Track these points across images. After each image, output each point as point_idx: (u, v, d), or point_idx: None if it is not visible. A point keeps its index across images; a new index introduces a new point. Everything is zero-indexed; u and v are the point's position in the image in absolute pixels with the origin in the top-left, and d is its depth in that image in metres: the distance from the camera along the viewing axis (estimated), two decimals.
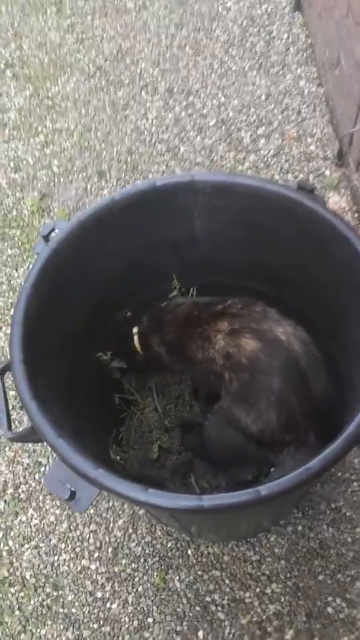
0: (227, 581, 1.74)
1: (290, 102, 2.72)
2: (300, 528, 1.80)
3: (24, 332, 1.35)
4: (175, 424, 1.85)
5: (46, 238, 1.50)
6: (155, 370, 1.77)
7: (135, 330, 1.69)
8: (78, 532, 1.88)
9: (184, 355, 1.57)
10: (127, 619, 1.73)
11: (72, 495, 1.24)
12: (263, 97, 2.76)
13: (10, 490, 1.97)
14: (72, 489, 1.24)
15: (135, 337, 1.68)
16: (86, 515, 1.91)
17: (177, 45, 3.06)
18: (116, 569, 1.80)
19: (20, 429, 1.44)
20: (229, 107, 2.76)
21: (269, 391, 1.42)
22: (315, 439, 1.42)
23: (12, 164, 2.75)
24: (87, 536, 1.87)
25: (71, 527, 1.90)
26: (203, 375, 1.59)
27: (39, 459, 2.01)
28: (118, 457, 1.70)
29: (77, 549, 1.85)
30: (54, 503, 1.94)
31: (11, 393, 1.79)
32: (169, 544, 1.82)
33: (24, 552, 1.86)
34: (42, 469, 2.00)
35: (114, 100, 2.90)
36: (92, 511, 1.91)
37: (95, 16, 3.24)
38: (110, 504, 1.92)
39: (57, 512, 1.93)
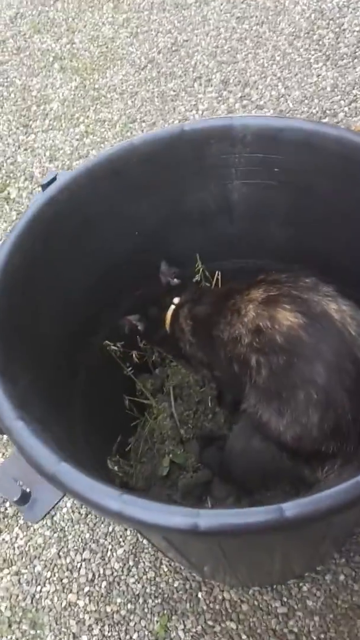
0: (243, 636, 1.36)
1: (359, 94, 2.41)
2: (342, 578, 1.41)
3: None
4: (193, 434, 1.51)
5: (46, 188, 1.23)
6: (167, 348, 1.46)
7: (176, 300, 1.39)
8: (68, 560, 1.55)
9: (210, 335, 1.24)
10: None
11: (25, 497, 0.93)
12: (328, 89, 2.47)
13: None
14: (27, 489, 0.93)
15: (172, 308, 1.38)
16: (80, 540, 1.58)
17: (236, 38, 2.83)
18: (109, 609, 1.45)
19: None
20: (289, 99, 2.48)
21: (311, 384, 1.07)
22: None
23: (47, 153, 2.55)
24: (79, 565, 1.54)
25: (61, 552, 1.57)
26: (226, 367, 1.25)
27: None
28: (116, 468, 1.37)
29: (65, 580, 1.52)
30: (44, 522, 1.62)
31: None
32: (176, 584, 1.46)
33: (2, 578, 1.54)
34: None
35: (163, 92, 2.68)
36: (87, 535, 1.58)
37: (152, 11, 3.06)
38: (110, 528, 1.59)
39: (47, 533, 1.61)
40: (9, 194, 2.43)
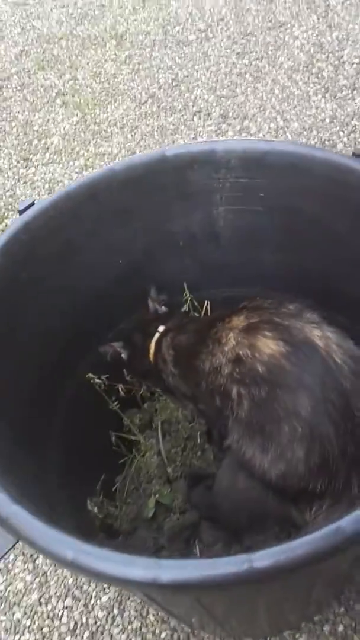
0: None
1: (359, 124, 2.39)
2: (341, 628, 1.30)
3: None
4: (181, 473, 1.42)
5: (22, 213, 1.19)
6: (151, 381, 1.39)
7: (161, 328, 1.33)
8: (50, 607, 1.46)
9: (192, 366, 1.18)
10: None
11: None
12: (327, 120, 2.45)
13: None
14: None
15: (157, 336, 1.32)
16: (63, 586, 1.49)
17: (236, 73, 2.84)
18: None
19: None
20: (287, 131, 2.47)
21: (295, 416, 1.00)
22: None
23: (46, 186, 2.54)
24: (60, 613, 1.45)
25: (42, 599, 1.48)
26: (209, 400, 1.18)
27: None
28: (96, 509, 1.29)
29: (45, 629, 1.42)
30: (25, 567, 1.54)
31: None
32: (163, 635, 1.36)
33: None
34: None
35: (163, 125, 2.67)
36: (70, 581, 1.49)
37: (154, 48, 3.09)
38: None
39: (29, 578, 1.52)
40: (6, 225, 2.41)
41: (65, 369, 1.32)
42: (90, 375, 1.37)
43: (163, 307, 1.39)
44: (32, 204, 1.18)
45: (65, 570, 1.51)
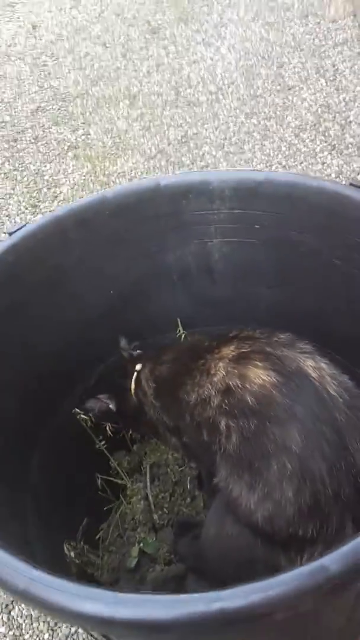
0: None
1: None
2: None
3: None
4: (168, 521, 1.34)
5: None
6: (144, 426, 1.32)
7: (138, 366, 1.28)
8: None
9: (175, 397, 1.12)
10: None
11: None
12: (333, 175, 2.47)
13: None
14: None
15: (135, 375, 1.26)
16: None
17: (245, 132, 2.89)
18: None
19: None
20: None
21: (284, 452, 0.93)
22: (354, 533, 0.89)
23: None
24: None
25: None
26: (194, 433, 1.11)
27: None
28: (72, 554, 1.20)
29: None
30: (0, 617, 1.43)
31: None
32: None
33: None
34: None
35: None
36: (46, 636, 1.38)
37: (165, 108, 3.18)
38: (73, 629, 1.38)
39: (2, 629, 1.41)
40: None
41: (49, 402, 1.27)
42: (77, 410, 1.31)
43: (138, 350, 1.34)
44: (23, 227, 1.16)
45: (41, 623, 1.41)
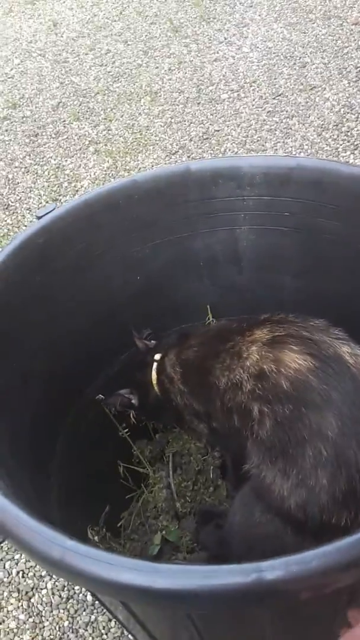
0: None
1: None
2: None
3: None
4: (191, 509, 1.33)
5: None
6: (167, 417, 1.31)
7: (157, 356, 1.27)
8: None
9: (204, 382, 1.11)
10: None
11: None
12: None
13: None
14: None
15: (155, 364, 1.25)
16: (57, 629, 1.38)
17: (266, 129, 2.89)
18: None
19: None
20: None
21: (320, 438, 0.92)
22: None
23: None
24: None
25: None
26: (224, 419, 1.10)
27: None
28: (96, 538, 1.20)
29: None
30: (20, 604, 1.43)
31: None
32: None
33: None
34: (17, 556, 1.51)
35: None
36: (66, 624, 1.38)
37: (187, 105, 3.18)
38: (92, 617, 1.38)
39: (22, 617, 1.41)
40: None
41: (73, 387, 1.27)
42: (101, 396, 1.31)
43: (152, 341, 1.34)
44: (53, 209, 1.16)
45: (61, 611, 1.41)
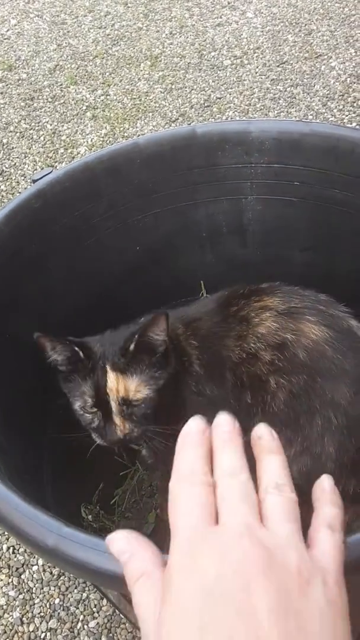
0: None
1: None
2: None
3: None
4: None
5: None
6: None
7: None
8: (32, 627, 1.31)
9: (218, 355, 1.01)
10: None
11: None
12: None
13: None
14: None
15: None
16: (48, 606, 1.34)
17: (270, 98, 2.80)
18: None
19: None
20: None
21: (332, 406, 0.89)
22: None
23: None
24: (43, 635, 1.30)
25: (24, 618, 1.33)
26: (235, 397, 1.01)
27: None
28: (90, 517, 1.16)
29: None
30: (10, 580, 1.40)
31: None
32: None
33: None
34: None
35: None
36: (57, 601, 1.35)
37: (188, 71, 3.07)
38: (84, 595, 1.35)
39: (12, 593, 1.38)
40: None
41: None
42: None
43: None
44: (50, 172, 1.09)
45: (52, 588, 1.37)
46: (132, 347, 0.91)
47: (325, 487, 0.51)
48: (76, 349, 0.93)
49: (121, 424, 0.93)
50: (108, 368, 0.92)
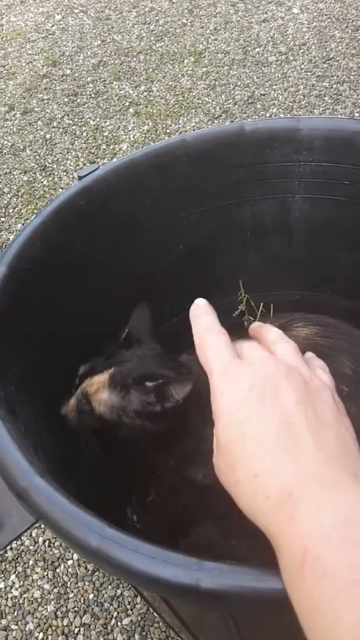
0: None
1: None
2: None
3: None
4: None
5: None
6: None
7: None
8: (65, 622, 1.32)
9: None
10: None
11: None
12: None
13: None
14: None
15: None
16: (82, 601, 1.35)
17: (315, 95, 2.75)
18: None
19: None
20: None
21: (339, 377, 0.90)
22: None
23: None
24: (76, 630, 1.30)
25: (59, 612, 1.34)
26: None
27: None
28: (135, 517, 1.15)
29: None
30: (45, 573, 1.41)
31: None
32: None
33: None
34: None
35: None
36: (91, 596, 1.35)
37: (232, 67, 3.05)
38: (118, 591, 1.35)
39: (47, 586, 1.39)
40: None
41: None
42: None
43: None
44: (97, 169, 1.09)
45: (87, 583, 1.38)
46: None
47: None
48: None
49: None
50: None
